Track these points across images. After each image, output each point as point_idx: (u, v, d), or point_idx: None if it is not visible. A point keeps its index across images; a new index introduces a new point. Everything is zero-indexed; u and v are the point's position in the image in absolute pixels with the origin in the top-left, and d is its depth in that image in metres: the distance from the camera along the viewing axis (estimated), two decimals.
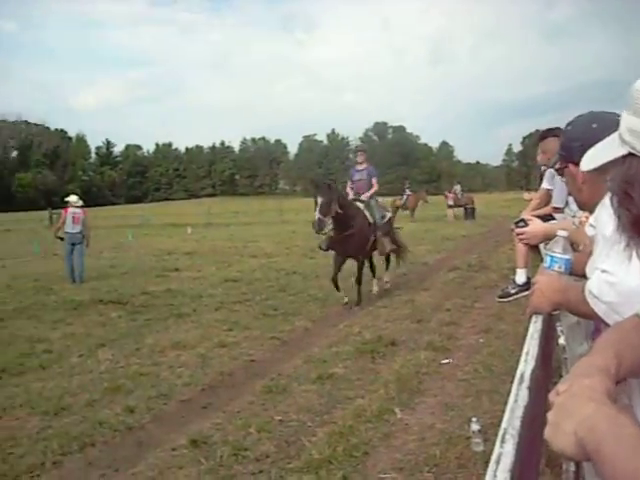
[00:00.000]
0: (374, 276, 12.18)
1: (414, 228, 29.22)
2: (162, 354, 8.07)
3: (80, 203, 15.73)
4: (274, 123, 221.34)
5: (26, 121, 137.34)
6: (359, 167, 12.04)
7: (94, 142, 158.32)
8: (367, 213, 11.30)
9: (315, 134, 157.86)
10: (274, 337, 8.70)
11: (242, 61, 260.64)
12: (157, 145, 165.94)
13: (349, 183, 12.21)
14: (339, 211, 10.17)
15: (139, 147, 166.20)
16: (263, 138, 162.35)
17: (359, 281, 11.17)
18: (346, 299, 10.80)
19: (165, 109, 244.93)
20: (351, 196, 11.77)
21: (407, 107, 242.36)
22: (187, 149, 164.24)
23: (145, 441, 5.37)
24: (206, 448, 5.07)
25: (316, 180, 11.35)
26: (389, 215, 12.52)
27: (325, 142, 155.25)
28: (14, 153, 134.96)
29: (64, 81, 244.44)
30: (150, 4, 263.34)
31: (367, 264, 11.90)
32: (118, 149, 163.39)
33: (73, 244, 15.28)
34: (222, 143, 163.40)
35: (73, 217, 15.35)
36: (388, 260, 12.73)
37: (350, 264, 11.32)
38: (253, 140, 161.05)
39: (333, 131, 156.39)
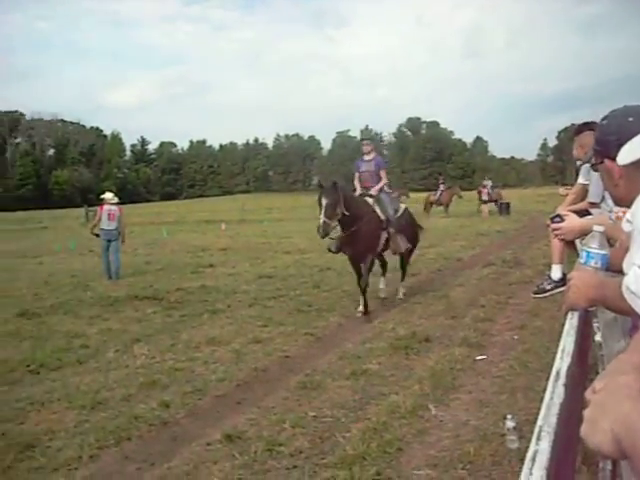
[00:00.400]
0: (384, 274, 11.58)
1: (448, 224, 29.15)
2: (197, 350, 8.12)
3: (115, 200, 15.90)
4: (307, 119, 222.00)
5: (62, 120, 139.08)
6: (366, 157, 11.07)
7: (129, 140, 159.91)
8: (377, 208, 10.44)
9: (348, 130, 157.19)
10: (308, 333, 8.72)
11: (275, 58, 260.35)
12: (191, 142, 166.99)
13: (356, 175, 11.22)
14: (346, 213, 9.46)
15: (173, 144, 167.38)
16: (297, 134, 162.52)
17: (363, 285, 9.98)
18: (362, 308, 9.91)
19: (199, 106, 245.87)
20: (358, 190, 10.93)
21: (441, 102, 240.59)
22: (221, 146, 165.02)
23: (180, 436, 5.42)
24: (240, 443, 5.10)
25: (321, 181, 10.48)
26: (403, 207, 11.49)
27: (358, 138, 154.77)
28: (51, 151, 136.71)
29: (99, 80, 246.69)
30: (183, 2, 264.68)
31: (378, 262, 11.34)
32: (153, 146, 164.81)
33: (109, 241, 15.45)
34: (256, 140, 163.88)
35: (109, 214, 15.51)
36: (403, 264, 11.66)
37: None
38: (287, 136, 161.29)
39: (366, 127, 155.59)
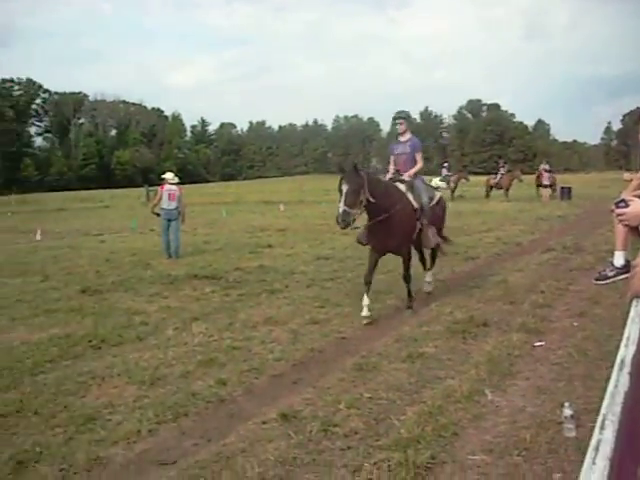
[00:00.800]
0: (426, 268, 10.57)
1: (508, 208, 28.79)
2: (254, 329, 8.21)
3: (176, 180, 16.11)
4: (367, 101, 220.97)
5: (124, 100, 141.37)
6: (401, 139, 9.91)
7: (189, 121, 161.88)
8: (410, 195, 9.27)
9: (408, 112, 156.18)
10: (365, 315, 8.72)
11: (335, 39, 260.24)
12: (251, 123, 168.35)
13: (391, 158, 10.06)
14: (371, 199, 8.33)
15: (233, 125, 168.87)
16: (356, 116, 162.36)
17: (407, 279, 9.24)
18: (368, 313, 8.58)
19: (259, 88, 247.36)
20: (390, 175, 9.82)
21: (502, 84, 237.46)
22: (280, 127, 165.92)
23: (236, 413, 5.49)
24: (296, 422, 5.14)
25: (342, 164, 8.86)
26: (438, 196, 10.35)
27: (418, 120, 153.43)
28: (113, 132, 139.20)
29: (161, 61, 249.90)
30: None
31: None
32: (213, 127, 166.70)
33: (169, 220, 15.66)
34: (315, 121, 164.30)
35: (169, 194, 15.72)
36: (434, 256, 10.61)
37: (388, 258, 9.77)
38: (346, 118, 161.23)
39: (426, 109, 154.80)
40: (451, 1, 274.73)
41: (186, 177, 65.32)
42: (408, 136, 9.85)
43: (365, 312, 8.53)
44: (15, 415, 5.55)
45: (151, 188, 46.37)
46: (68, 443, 4.95)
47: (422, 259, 10.69)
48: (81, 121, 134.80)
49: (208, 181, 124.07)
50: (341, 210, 8.08)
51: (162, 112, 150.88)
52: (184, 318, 8.89)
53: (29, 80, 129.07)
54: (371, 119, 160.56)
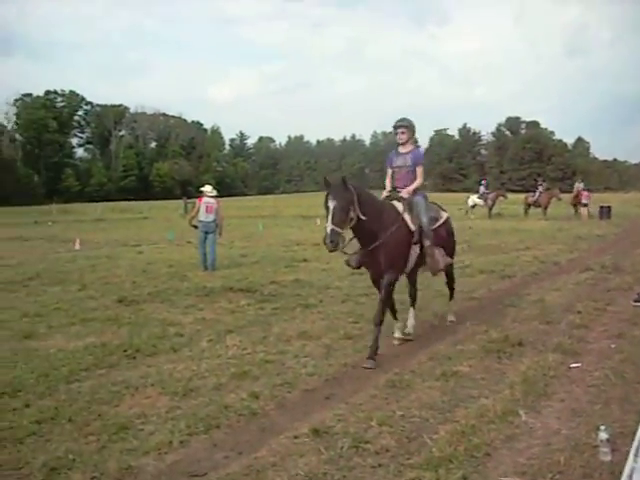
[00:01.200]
0: (412, 304, 9.25)
1: (546, 226, 28.54)
2: (288, 343, 8.21)
3: (214, 193, 16.22)
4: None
5: (164, 113, 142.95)
6: (402, 149, 8.79)
7: (228, 134, 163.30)
8: (407, 216, 8.20)
9: (447, 128, 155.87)
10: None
11: (374, 55, 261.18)
12: (289, 138, 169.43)
13: (388, 172, 8.97)
14: (362, 217, 7.45)
15: (272, 139, 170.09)
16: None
17: (376, 319, 7.73)
18: (398, 334, 8.37)
19: (297, 102, 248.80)
20: (386, 193, 8.74)
21: (541, 101, 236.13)
22: (318, 142, 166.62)
23: (268, 427, 5.49)
24: (327, 438, 5.13)
25: (328, 178, 7.82)
26: (445, 216, 9.17)
27: (456, 137, 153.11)
28: (153, 144, 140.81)
29: (201, 75, 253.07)
30: None
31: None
32: (251, 141, 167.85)
33: (206, 232, 15.77)
34: (353, 136, 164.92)
35: (207, 206, 15.84)
36: (450, 282, 9.81)
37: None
38: (384, 134, 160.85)
39: (464, 125, 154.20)
40: (492, 17, 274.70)
41: (224, 190, 65.79)
42: (410, 147, 8.80)
43: (397, 334, 8.38)
44: (50, 422, 5.62)
45: (189, 200, 46.77)
46: (100, 451, 4.99)
47: (411, 292, 9.32)
48: (122, 133, 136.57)
49: (246, 194, 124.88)
50: (329, 230, 7.18)
51: (201, 125, 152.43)
52: (219, 330, 8.93)
53: (72, 92, 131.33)
54: None
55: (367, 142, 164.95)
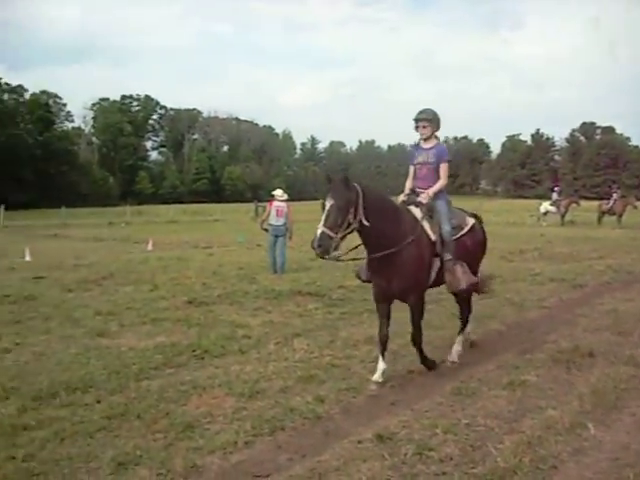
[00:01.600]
0: (462, 328, 8.25)
1: (620, 235, 27.82)
2: (355, 348, 8.21)
3: (285, 197, 16.35)
4: (476, 122, 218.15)
5: (237, 118, 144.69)
6: (424, 145, 7.76)
7: (299, 138, 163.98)
8: (426, 224, 7.12)
9: (519, 134, 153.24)
10: (466, 339, 8.58)
11: (445, 59, 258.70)
12: (360, 142, 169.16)
13: (410, 170, 8.01)
14: (365, 222, 6.41)
15: (342, 144, 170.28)
16: (465, 137, 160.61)
17: (416, 340, 7.17)
18: (381, 379, 6.83)
19: (368, 107, 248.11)
20: (403, 196, 7.73)
21: (617, 107, 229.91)
22: (389, 147, 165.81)
23: (332, 431, 5.51)
24: (391, 444, 5.12)
25: (330, 174, 6.77)
26: (470, 223, 7.86)
27: (529, 142, 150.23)
28: (225, 148, 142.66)
29: (272, 80, 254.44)
30: (355, 5, 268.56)
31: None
32: (322, 145, 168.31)
33: (276, 236, 15.89)
34: None
35: (277, 210, 15.97)
36: (463, 308, 8.28)
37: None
38: (455, 139, 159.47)
39: (537, 131, 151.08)
40: (566, 21, 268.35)
41: (294, 194, 66.02)
42: (433, 142, 7.73)
43: (377, 376, 6.85)
44: (119, 418, 5.77)
45: (260, 204, 47.15)
46: (167, 449, 5.10)
47: (463, 313, 8.32)
48: (195, 137, 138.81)
49: (316, 199, 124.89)
50: (319, 232, 6.22)
51: (273, 130, 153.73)
52: (286, 333, 8.99)
53: (147, 96, 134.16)
54: (481, 140, 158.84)
55: None
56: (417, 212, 7.20)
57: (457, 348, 7.87)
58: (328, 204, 6.31)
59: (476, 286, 7.79)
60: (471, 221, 7.91)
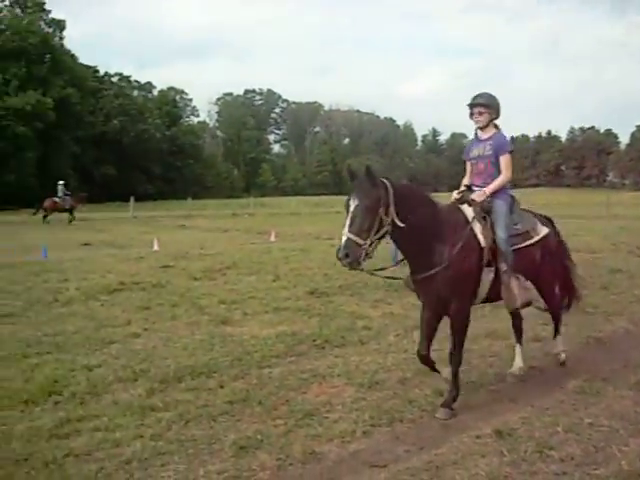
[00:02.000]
0: (518, 339, 7.18)
1: None
2: (475, 342, 8.07)
3: None
4: (604, 112, 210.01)
5: (358, 110, 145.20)
6: (481, 135, 6.57)
7: (420, 130, 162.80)
8: (477, 226, 6.03)
9: None
10: (591, 336, 8.34)
11: (571, 47, 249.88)
12: None
13: (467, 165, 6.87)
14: (399, 224, 5.49)
15: (464, 136, 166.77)
16: (592, 127, 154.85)
17: (456, 361, 5.97)
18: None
19: None
20: (456, 194, 6.67)
21: None
22: (512, 138, 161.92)
23: (451, 425, 5.49)
24: (510, 441, 5.05)
25: (352, 167, 5.89)
26: (544, 232, 6.70)
27: None
28: (346, 140, 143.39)
29: (393, 71, 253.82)
30: None
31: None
32: (444, 137, 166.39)
33: None
34: (548, 132, 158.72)
35: None
36: (518, 329, 7.17)
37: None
38: (581, 129, 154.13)
39: None
40: None
41: None
42: (491, 132, 6.51)
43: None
44: (241, 403, 5.97)
45: None
46: (287, 435, 5.22)
47: (516, 323, 7.19)
48: (316, 130, 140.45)
49: (437, 191, 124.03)
50: (344, 240, 5.30)
51: (394, 121, 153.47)
52: (406, 325, 8.98)
53: (269, 90, 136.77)
54: (608, 131, 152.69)
55: (563, 138, 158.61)
56: (468, 212, 6.16)
57: (560, 349, 7.18)
58: (352, 205, 5.41)
59: (530, 305, 6.53)
60: (544, 230, 6.74)
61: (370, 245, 5.39)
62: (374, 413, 5.66)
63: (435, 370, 6.16)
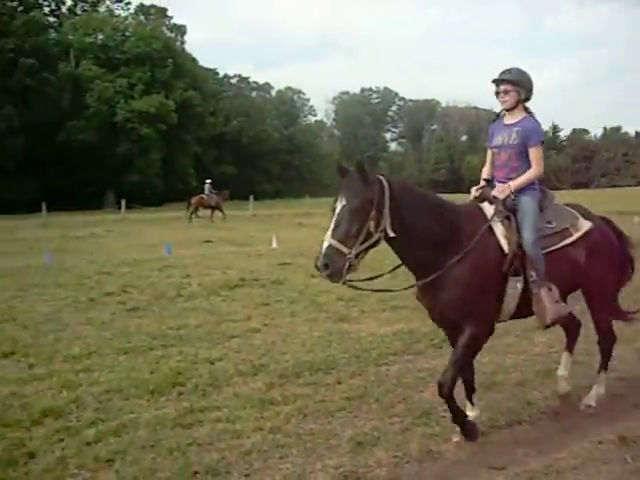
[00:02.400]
0: (603, 364, 6.12)
1: None
2: (596, 344, 7.87)
3: None
4: (514, 66, 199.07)
5: (475, 107, 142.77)
6: (507, 120, 5.56)
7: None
8: (498, 227, 5.12)
9: None
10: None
11: None
12: (605, 129, 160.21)
13: (488, 154, 5.82)
14: (390, 234, 4.75)
15: (586, 131, 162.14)
16: None
17: (446, 382, 4.95)
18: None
19: (615, 91, 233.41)
20: (475, 191, 5.65)
21: None
22: (637, 133, 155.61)
23: (571, 429, 5.39)
24: (635, 447, 4.90)
25: (344, 165, 4.94)
26: (586, 227, 5.56)
27: None
28: (463, 137, 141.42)
29: (511, 65, 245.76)
30: None
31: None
32: (564, 133, 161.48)
33: None
34: None
35: None
36: (608, 335, 6.16)
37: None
38: None
39: None
40: None
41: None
42: (520, 115, 5.48)
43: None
44: (358, 400, 6.06)
45: None
46: (403, 433, 5.27)
47: (602, 344, 6.16)
48: (433, 127, 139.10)
49: (558, 188, 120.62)
50: (325, 247, 4.57)
51: None
52: (526, 326, 8.76)
53: (386, 88, 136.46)
54: None
55: None
56: (489, 209, 5.25)
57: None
58: (338, 206, 4.62)
59: (562, 320, 5.58)
60: (586, 224, 5.57)
61: (356, 256, 4.62)
62: (492, 414, 5.62)
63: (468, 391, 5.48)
